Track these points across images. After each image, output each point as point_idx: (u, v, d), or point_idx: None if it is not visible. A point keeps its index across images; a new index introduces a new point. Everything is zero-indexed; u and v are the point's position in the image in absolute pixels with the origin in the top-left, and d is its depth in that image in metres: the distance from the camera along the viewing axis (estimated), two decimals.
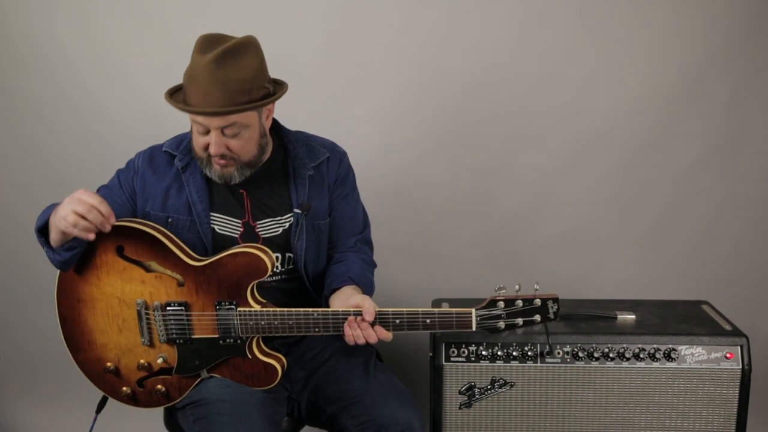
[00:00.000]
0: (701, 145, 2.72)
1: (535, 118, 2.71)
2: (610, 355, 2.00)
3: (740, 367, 1.99)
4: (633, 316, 2.14)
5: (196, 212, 1.86)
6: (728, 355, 1.99)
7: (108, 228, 1.67)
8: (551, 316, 1.74)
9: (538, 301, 1.73)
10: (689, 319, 2.15)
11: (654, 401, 2.02)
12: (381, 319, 1.72)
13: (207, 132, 1.77)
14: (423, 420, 1.87)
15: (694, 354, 2.00)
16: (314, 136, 2.05)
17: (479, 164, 2.76)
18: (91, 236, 1.65)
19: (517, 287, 1.72)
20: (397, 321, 1.72)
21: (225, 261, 1.75)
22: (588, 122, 2.70)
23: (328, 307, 1.84)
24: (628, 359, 2.00)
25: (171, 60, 2.63)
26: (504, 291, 1.73)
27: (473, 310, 1.72)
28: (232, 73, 1.71)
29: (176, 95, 1.82)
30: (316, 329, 1.75)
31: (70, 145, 2.74)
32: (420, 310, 1.72)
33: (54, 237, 1.69)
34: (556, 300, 1.75)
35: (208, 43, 1.74)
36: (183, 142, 1.93)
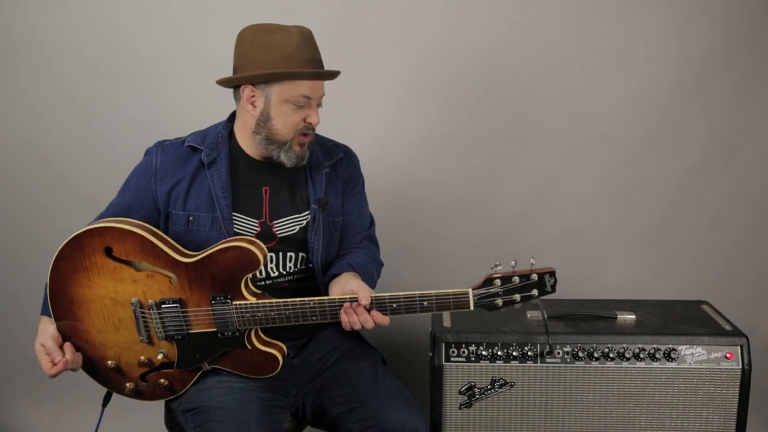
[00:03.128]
0: (701, 145, 2.72)
1: (535, 118, 2.71)
2: (610, 355, 2.00)
3: (740, 367, 1.99)
4: (633, 316, 2.14)
5: (219, 208, 1.84)
6: (728, 355, 1.99)
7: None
8: (549, 289, 1.72)
9: (534, 276, 1.71)
10: (689, 319, 2.15)
11: (654, 401, 2.02)
12: (378, 304, 1.72)
13: (303, 106, 1.83)
14: (428, 426, 1.86)
15: (694, 354, 2.00)
16: (327, 138, 2.06)
17: (479, 164, 2.76)
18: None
19: (512, 263, 1.71)
20: (394, 305, 1.72)
21: (215, 256, 1.75)
22: (588, 122, 2.71)
23: (328, 294, 1.85)
24: (628, 359, 2.00)
25: (172, 60, 2.66)
26: (500, 268, 1.70)
27: (470, 289, 1.70)
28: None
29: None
30: (314, 317, 1.75)
31: (70, 145, 2.74)
32: (417, 293, 1.70)
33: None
34: (552, 273, 1.72)
35: (267, 29, 1.83)
36: (207, 137, 1.92)
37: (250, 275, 1.77)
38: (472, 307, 1.71)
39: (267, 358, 1.80)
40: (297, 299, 1.75)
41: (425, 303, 1.71)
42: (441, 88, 2.69)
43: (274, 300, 1.76)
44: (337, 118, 2.69)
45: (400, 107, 2.71)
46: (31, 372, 2.96)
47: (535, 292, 1.72)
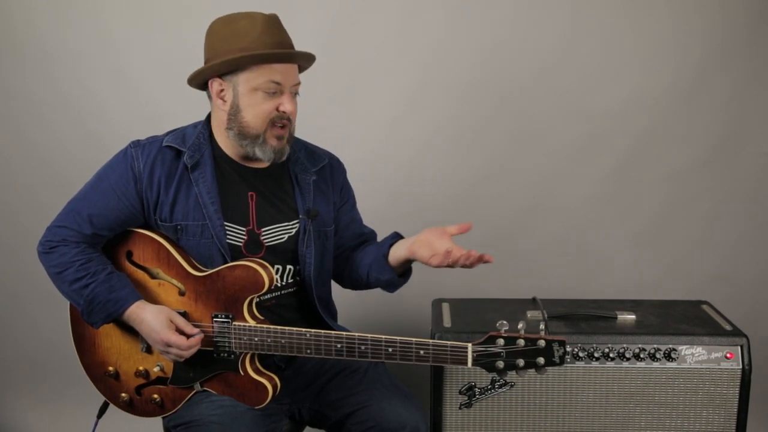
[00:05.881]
0: (701, 144, 2.72)
1: (534, 118, 2.71)
2: (610, 355, 2.00)
3: (740, 367, 1.99)
4: (633, 316, 2.14)
5: (208, 215, 1.75)
6: (728, 355, 1.99)
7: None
8: (556, 360, 1.57)
9: (542, 342, 1.57)
10: (689, 319, 2.15)
11: (654, 401, 2.02)
12: (373, 347, 1.66)
13: (275, 94, 1.73)
14: (428, 423, 1.85)
15: (694, 354, 2.00)
16: (312, 144, 1.98)
17: (479, 164, 2.76)
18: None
19: (521, 325, 1.59)
20: (390, 350, 1.65)
21: (224, 273, 1.72)
22: (588, 122, 2.71)
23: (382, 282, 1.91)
24: (628, 359, 2.00)
25: (172, 60, 2.66)
26: (506, 328, 1.59)
27: (470, 345, 1.61)
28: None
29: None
30: (308, 351, 1.69)
31: (70, 145, 2.74)
32: (414, 340, 1.64)
33: (108, 322, 1.75)
34: (563, 343, 1.57)
35: (232, 18, 1.75)
36: (186, 137, 1.81)
37: (255, 298, 1.74)
38: (470, 364, 1.62)
39: (257, 387, 1.75)
40: (294, 329, 1.70)
41: (421, 352, 1.64)
42: (440, 89, 2.70)
43: (272, 327, 1.71)
44: (338, 119, 2.70)
45: (400, 108, 2.71)
46: (31, 372, 2.96)
47: (541, 360, 1.57)
